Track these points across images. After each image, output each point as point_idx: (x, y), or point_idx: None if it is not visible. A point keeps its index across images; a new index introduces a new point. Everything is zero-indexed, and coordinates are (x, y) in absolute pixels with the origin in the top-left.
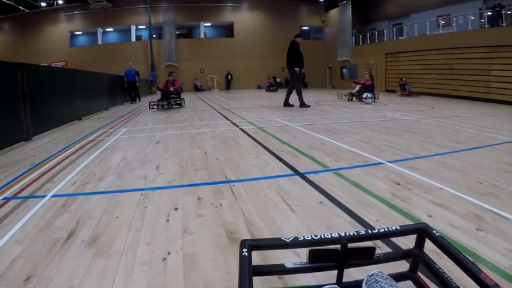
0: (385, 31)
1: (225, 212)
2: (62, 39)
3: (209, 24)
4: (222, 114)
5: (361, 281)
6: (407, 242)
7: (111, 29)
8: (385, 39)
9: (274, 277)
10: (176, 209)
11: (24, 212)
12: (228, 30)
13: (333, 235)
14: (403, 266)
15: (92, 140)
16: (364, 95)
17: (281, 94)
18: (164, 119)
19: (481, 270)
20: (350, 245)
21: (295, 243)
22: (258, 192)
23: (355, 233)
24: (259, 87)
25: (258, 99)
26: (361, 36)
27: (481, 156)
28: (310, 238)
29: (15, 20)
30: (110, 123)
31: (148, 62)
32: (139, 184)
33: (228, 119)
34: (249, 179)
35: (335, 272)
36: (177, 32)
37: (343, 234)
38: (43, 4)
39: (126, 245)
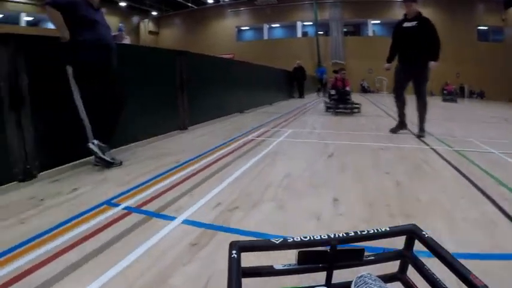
0: None
1: None
2: (229, 33)
3: (377, 21)
4: None
5: (350, 283)
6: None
7: (277, 25)
8: None
9: (264, 279)
10: None
11: (141, 239)
12: None
13: (322, 236)
14: (392, 267)
15: (252, 140)
16: None
17: (462, 105)
18: (334, 123)
19: (470, 271)
20: (339, 246)
21: (284, 245)
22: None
23: (344, 235)
24: (432, 94)
25: (437, 108)
26: None
27: None
28: (299, 240)
29: (184, 15)
30: (273, 120)
31: (314, 59)
32: (307, 227)
33: (411, 132)
34: (476, 254)
35: (324, 273)
36: (344, 29)
37: (332, 236)
38: (210, 1)
39: None
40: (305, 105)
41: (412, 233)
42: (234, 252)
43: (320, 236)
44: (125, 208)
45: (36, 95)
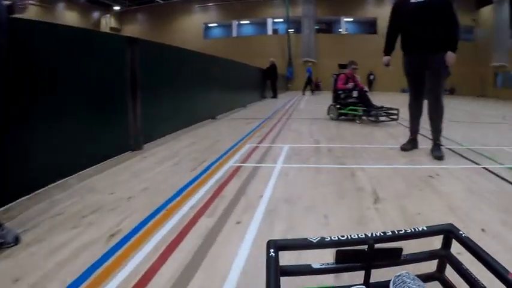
0: None
1: None
2: (196, 30)
3: (350, 19)
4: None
5: (388, 282)
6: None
7: (246, 22)
8: None
9: (302, 277)
10: None
11: None
12: (370, 26)
13: (359, 236)
14: (430, 267)
15: (238, 169)
16: None
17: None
18: (337, 133)
19: (508, 271)
20: (377, 245)
21: (322, 244)
22: None
23: (382, 234)
24: (404, 91)
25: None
26: None
27: None
28: (337, 239)
29: (149, 10)
30: (256, 129)
31: (285, 56)
32: None
33: (429, 138)
34: None
35: (362, 272)
36: (316, 27)
37: (369, 235)
38: None
39: None
40: (283, 106)
41: (449, 233)
42: (271, 251)
43: (357, 235)
44: None
45: None
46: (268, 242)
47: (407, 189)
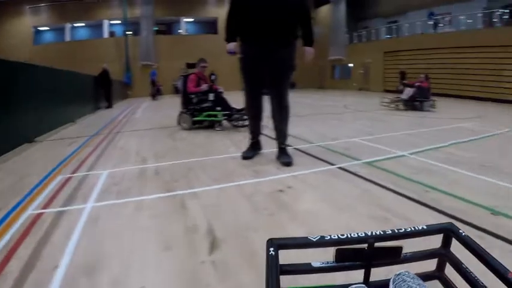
0: (382, 29)
1: None
2: (25, 35)
3: (191, 19)
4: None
5: (388, 281)
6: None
7: (81, 24)
8: (381, 37)
9: (301, 276)
10: None
11: None
12: (211, 26)
13: (359, 234)
14: (430, 265)
15: (38, 217)
16: None
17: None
18: (169, 142)
19: (508, 270)
20: (377, 244)
21: (322, 243)
22: None
23: (382, 233)
24: None
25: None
26: (354, 34)
27: None
28: (336, 237)
29: None
30: (76, 152)
31: (122, 61)
32: None
33: (273, 138)
34: None
35: (362, 271)
36: (155, 28)
37: (369, 234)
38: None
39: None
40: (117, 117)
41: (449, 232)
42: (271, 249)
43: (357, 233)
44: None
45: None
46: (268, 240)
47: (254, 217)
